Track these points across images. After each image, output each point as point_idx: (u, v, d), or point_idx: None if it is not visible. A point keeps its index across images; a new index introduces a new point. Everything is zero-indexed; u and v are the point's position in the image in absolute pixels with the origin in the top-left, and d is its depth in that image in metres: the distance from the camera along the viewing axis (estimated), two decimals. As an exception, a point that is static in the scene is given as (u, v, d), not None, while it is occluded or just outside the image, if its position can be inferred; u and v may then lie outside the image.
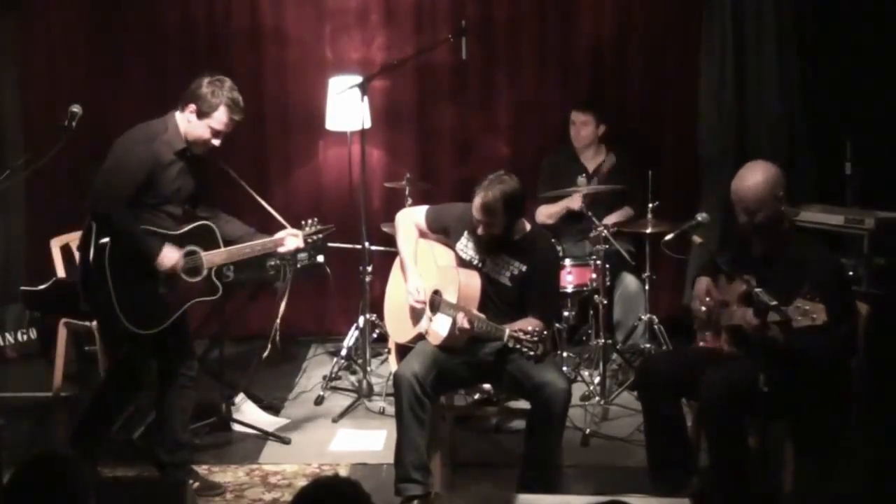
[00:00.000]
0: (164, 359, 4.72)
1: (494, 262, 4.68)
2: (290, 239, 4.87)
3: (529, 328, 4.35)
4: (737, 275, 4.23)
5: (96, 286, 4.46)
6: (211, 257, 4.65)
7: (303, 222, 5.00)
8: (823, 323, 3.76)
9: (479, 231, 4.61)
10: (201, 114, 4.55)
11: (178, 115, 4.59)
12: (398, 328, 4.93)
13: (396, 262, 5.00)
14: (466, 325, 4.45)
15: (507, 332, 4.34)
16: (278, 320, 5.40)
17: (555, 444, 4.53)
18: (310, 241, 4.99)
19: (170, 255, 4.51)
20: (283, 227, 4.94)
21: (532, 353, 4.28)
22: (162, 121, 4.60)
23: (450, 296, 4.61)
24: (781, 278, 3.97)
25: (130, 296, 4.47)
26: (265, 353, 5.85)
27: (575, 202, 5.98)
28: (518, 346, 4.31)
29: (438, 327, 4.63)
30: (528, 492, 4.35)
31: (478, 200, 4.55)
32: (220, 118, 4.58)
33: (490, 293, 4.65)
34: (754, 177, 4.27)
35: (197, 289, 4.64)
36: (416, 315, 4.79)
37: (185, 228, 4.61)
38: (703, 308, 4.43)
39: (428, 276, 4.78)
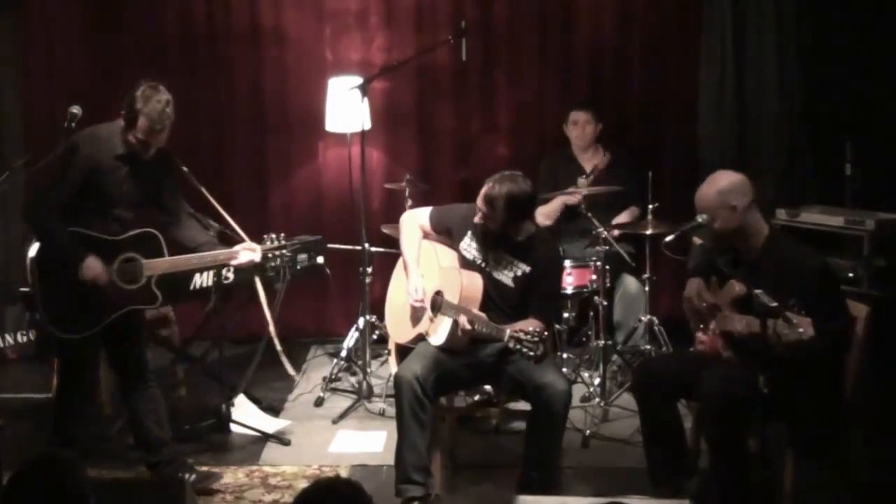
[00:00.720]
0: (120, 365, 4.73)
1: (498, 262, 4.68)
2: (245, 252, 4.77)
3: (530, 329, 4.35)
4: (735, 277, 4.22)
5: (29, 288, 4.49)
6: (152, 265, 4.60)
7: (265, 237, 4.91)
8: (810, 338, 3.76)
9: (476, 219, 4.62)
10: (126, 121, 4.49)
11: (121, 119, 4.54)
12: (399, 329, 4.93)
13: (399, 263, 5.01)
14: (468, 326, 4.46)
15: (508, 332, 4.33)
16: (271, 328, 5.34)
17: (555, 445, 4.54)
18: (269, 255, 4.88)
19: (91, 266, 4.45)
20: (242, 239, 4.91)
21: (532, 353, 4.28)
22: (109, 124, 4.56)
23: (451, 296, 4.61)
24: (767, 284, 3.97)
25: (57, 301, 4.46)
26: (290, 370, 5.79)
27: (572, 197, 5.98)
28: (518, 347, 4.30)
29: (439, 328, 4.63)
30: (528, 493, 4.35)
31: (483, 189, 4.58)
32: (141, 127, 4.47)
33: (492, 294, 4.65)
34: (708, 186, 4.32)
35: (133, 296, 4.58)
36: (416, 316, 4.79)
37: (127, 234, 4.57)
38: (695, 308, 4.43)
39: (430, 277, 4.78)
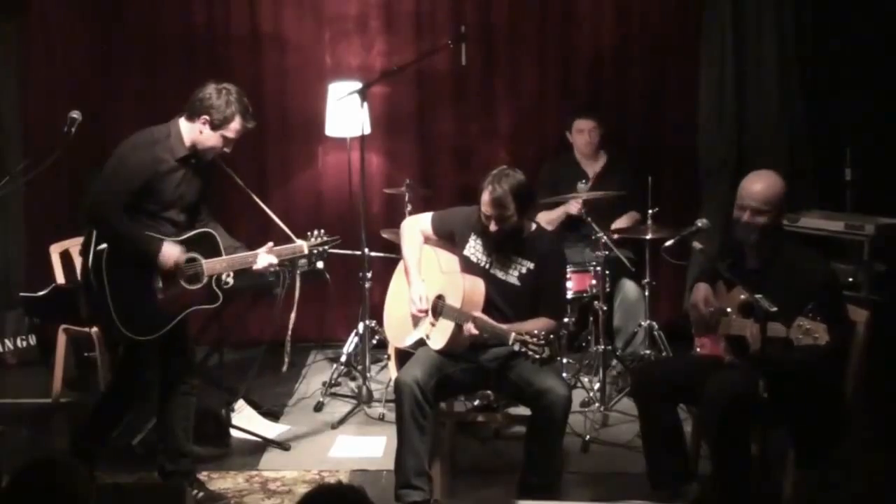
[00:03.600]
0: (166, 367, 4.69)
1: (503, 262, 4.67)
2: (263, 256, 4.73)
3: (535, 331, 4.33)
4: (737, 282, 4.22)
5: (95, 293, 4.43)
6: (212, 265, 4.61)
7: (308, 233, 4.93)
8: (826, 343, 3.75)
9: (492, 227, 4.58)
10: (215, 125, 4.48)
11: (182, 122, 4.52)
12: (398, 334, 4.93)
13: (398, 268, 5.01)
14: (475, 331, 4.44)
15: (513, 335, 4.32)
16: (289, 332, 5.35)
17: (554, 450, 4.53)
18: (315, 252, 4.93)
19: (171, 252, 4.46)
20: (286, 236, 4.88)
21: (538, 356, 4.27)
22: (165, 126, 4.54)
23: (454, 300, 4.60)
24: (775, 288, 3.97)
25: (128, 302, 4.43)
26: (284, 368, 5.79)
27: (573, 207, 5.98)
28: (524, 350, 4.29)
29: (440, 332, 4.63)
30: (527, 498, 4.35)
31: (486, 196, 4.55)
32: (234, 128, 4.53)
33: (496, 297, 4.63)
34: (770, 178, 4.30)
35: (197, 296, 4.61)
36: (417, 321, 4.79)
37: (187, 235, 4.58)
38: (702, 314, 4.42)
39: (432, 282, 4.77)
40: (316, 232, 4.96)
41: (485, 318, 4.49)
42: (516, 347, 4.31)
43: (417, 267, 4.84)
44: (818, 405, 4.16)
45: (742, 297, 4.20)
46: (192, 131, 4.51)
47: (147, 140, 4.50)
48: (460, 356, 4.61)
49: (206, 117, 4.47)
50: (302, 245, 4.89)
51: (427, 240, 4.92)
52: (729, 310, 4.28)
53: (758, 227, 4.24)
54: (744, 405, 4.09)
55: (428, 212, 5.02)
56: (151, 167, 4.44)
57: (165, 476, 4.75)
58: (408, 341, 4.81)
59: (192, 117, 4.51)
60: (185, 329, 4.69)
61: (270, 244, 4.77)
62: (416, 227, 4.93)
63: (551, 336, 4.33)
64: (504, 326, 4.43)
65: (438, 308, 4.67)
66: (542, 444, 4.49)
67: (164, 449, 4.76)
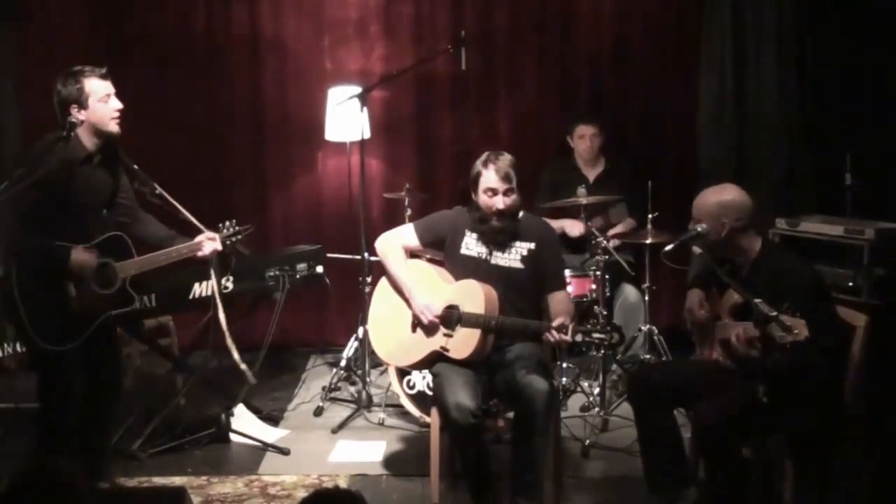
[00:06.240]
0: (94, 376, 4.63)
1: (503, 250, 4.68)
2: (208, 243, 4.70)
3: (572, 321, 4.33)
4: (736, 287, 4.22)
5: (10, 310, 4.40)
6: (124, 267, 4.56)
7: (220, 225, 4.82)
8: (806, 339, 3.76)
9: (500, 205, 4.59)
10: (83, 102, 4.43)
11: (73, 133, 4.42)
12: (398, 353, 4.80)
13: (380, 287, 4.88)
14: (567, 337, 4.31)
15: (571, 327, 4.28)
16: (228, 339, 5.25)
17: (539, 446, 4.46)
18: (227, 243, 4.81)
19: (81, 255, 4.42)
20: (199, 231, 4.76)
21: (607, 342, 4.27)
22: (51, 135, 4.43)
23: (473, 307, 4.53)
24: (762, 296, 3.97)
25: (42, 315, 4.40)
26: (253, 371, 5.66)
27: (575, 229, 6.00)
28: (586, 339, 4.30)
29: (463, 341, 4.54)
30: (520, 498, 4.34)
31: (491, 174, 4.62)
32: (96, 88, 4.46)
33: (503, 285, 4.62)
34: (712, 193, 4.35)
35: (110, 301, 4.55)
36: (421, 335, 4.67)
37: (96, 241, 4.51)
38: (698, 319, 4.43)
39: (436, 293, 4.68)
40: (227, 223, 4.84)
41: (521, 320, 4.51)
42: (578, 338, 4.28)
43: (412, 279, 4.75)
44: (816, 410, 4.16)
45: (735, 299, 4.21)
46: (82, 126, 4.45)
47: (41, 151, 4.40)
48: (477, 363, 4.57)
49: (74, 105, 4.43)
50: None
51: (411, 253, 4.88)
52: (722, 314, 4.29)
53: (702, 239, 4.29)
54: (737, 422, 4.11)
55: (403, 225, 4.97)
56: (49, 177, 4.32)
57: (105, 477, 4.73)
58: (414, 358, 4.72)
59: (69, 120, 4.41)
60: (110, 339, 4.67)
61: (209, 232, 4.72)
62: (395, 242, 4.84)
63: (603, 320, 4.31)
64: (543, 323, 4.42)
65: (454, 318, 4.60)
66: (524, 440, 4.43)
67: (87, 458, 4.66)
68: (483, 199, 4.66)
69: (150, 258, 4.63)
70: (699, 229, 4.32)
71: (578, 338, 4.31)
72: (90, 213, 4.55)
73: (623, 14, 6.78)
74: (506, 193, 4.62)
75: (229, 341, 4.93)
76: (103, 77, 4.54)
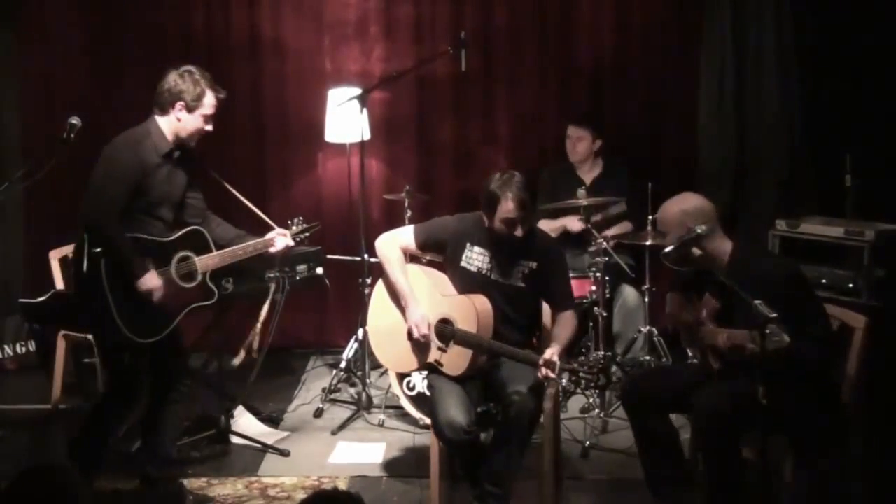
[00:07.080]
0: (159, 372, 4.69)
1: (504, 267, 4.59)
2: (280, 239, 4.83)
3: (578, 359, 4.32)
4: (710, 291, 4.24)
5: (93, 297, 4.42)
6: (205, 261, 4.63)
7: (289, 221, 4.95)
8: (788, 344, 3.76)
9: (520, 234, 4.49)
10: (190, 107, 4.54)
11: (158, 119, 4.56)
12: (397, 358, 4.75)
13: (378, 289, 4.81)
14: (555, 360, 4.26)
15: (557, 363, 4.23)
16: (258, 325, 5.25)
17: (515, 456, 4.40)
18: (298, 239, 4.94)
19: (150, 281, 4.46)
20: (271, 229, 4.89)
21: (593, 384, 4.25)
22: (142, 127, 4.57)
23: (466, 325, 4.48)
24: (739, 301, 3.98)
25: (129, 305, 4.43)
26: (237, 360, 5.46)
27: (574, 224, 5.99)
28: (574, 379, 4.26)
29: (458, 358, 4.50)
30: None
31: (510, 204, 4.44)
32: (209, 103, 4.58)
33: (502, 303, 4.56)
34: (674, 203, 4.36)
35: (193, 294, 4.61)
36: (419, 344, 4.62)
37: (177, 234, 4.59)
38: (683, 322, 4.43)
39: (432, 304, 4.61)
40: (296, 219, 4.97)
41: (511, 348, 4.45)
42: (564, 381, 4.26)
43: (410, 287, 4.66)
44: (816, 410, 4.16)
45: (713, 304, 4.24)
46: (171, 123, 4.56)
47: (129, 141, 4.52)
48: (469, 377, 4.54)
49: (181, 103, 4.54)
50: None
51: (410, 256, 4.84)
52: (704, 320, 4.29)
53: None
54: (735, 421, 4.10)
55: (405, 226, 4.90)
56: (139, 168, 4.46)
57: (150, 483, 4.74)
58: (411, 366, 4.70)
59: (165, 110, 4.55)
60: (177, 331, 4.68)
61: (280, 229, 4.84)
62: (395, 244, 4.75)
63: (601, 362, 4.26)
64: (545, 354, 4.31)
65: (448, 333, 4.53)
66: (500, 447, 4.40)
67: (151, 455, 4.75)
68: (499, 225, 4.51)
69: (230, 252, 4.71)
70: (699, 230, 4.31)
71: (564, 378, 4.29)
72: (171, 207, 4.62)
73: (624, 16, 6.77)
74: (523, 222, 4.50)
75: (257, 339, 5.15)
76: (219, 99, 4.64)
